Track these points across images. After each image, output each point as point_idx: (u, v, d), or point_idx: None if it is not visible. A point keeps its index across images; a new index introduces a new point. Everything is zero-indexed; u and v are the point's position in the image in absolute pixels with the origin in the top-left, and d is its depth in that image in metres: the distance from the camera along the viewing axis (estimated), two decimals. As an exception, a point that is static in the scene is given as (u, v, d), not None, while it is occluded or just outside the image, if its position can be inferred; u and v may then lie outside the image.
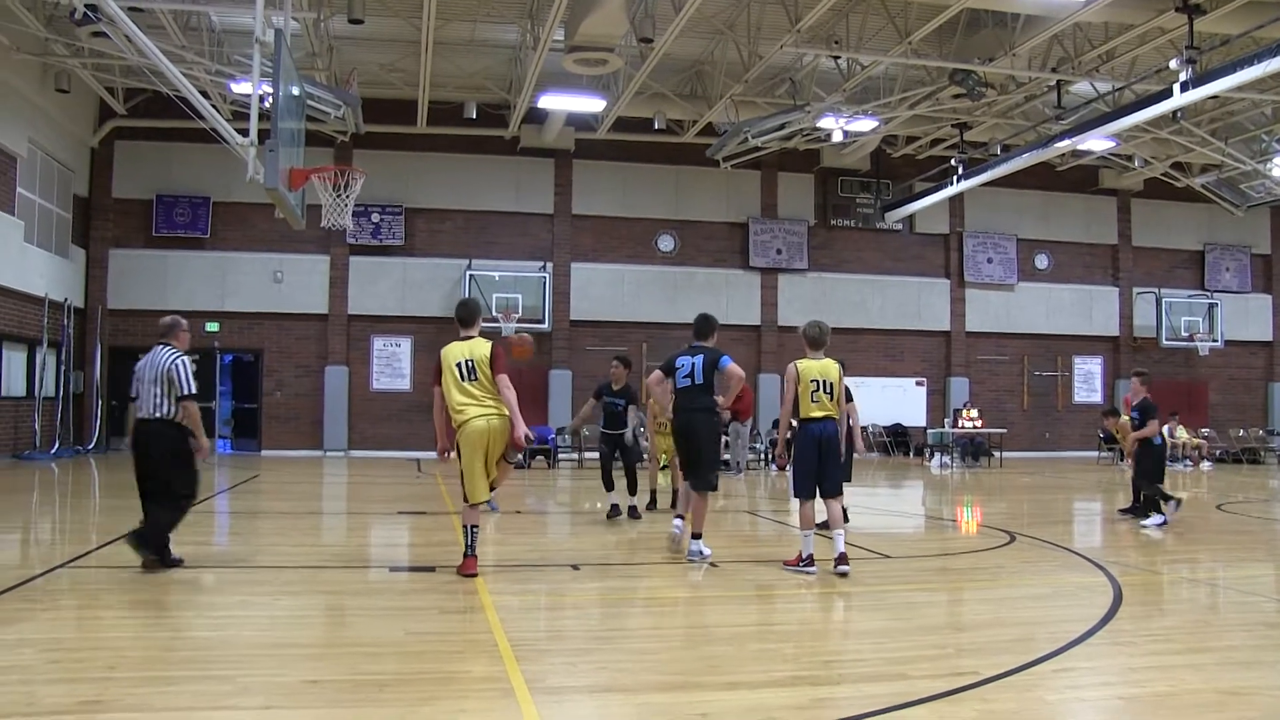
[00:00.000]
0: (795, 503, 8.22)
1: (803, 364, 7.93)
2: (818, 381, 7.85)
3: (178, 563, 7.53)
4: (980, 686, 4.80)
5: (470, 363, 7.41)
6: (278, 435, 23.22)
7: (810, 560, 7.83)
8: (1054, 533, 10.79)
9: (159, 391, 7.45)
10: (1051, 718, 4.56)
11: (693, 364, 8.42)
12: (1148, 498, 12.49)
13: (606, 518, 11.01)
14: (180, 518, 7.68)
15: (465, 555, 7.45)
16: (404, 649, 5.43)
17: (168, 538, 7.54)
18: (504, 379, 7.40)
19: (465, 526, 7.52)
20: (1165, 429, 16.04)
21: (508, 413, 7.38)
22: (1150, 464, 11.76)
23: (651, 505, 12.18)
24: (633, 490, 11.45)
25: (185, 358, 7.63)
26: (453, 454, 7.58)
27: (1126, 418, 13.08)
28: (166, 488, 7.52)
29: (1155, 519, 11.41)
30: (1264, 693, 4.86)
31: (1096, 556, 9.10)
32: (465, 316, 7.73)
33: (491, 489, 7.64)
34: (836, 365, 8.02)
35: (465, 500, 7.51)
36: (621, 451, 11.49)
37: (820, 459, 7.83)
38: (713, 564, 8.35)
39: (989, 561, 9.07)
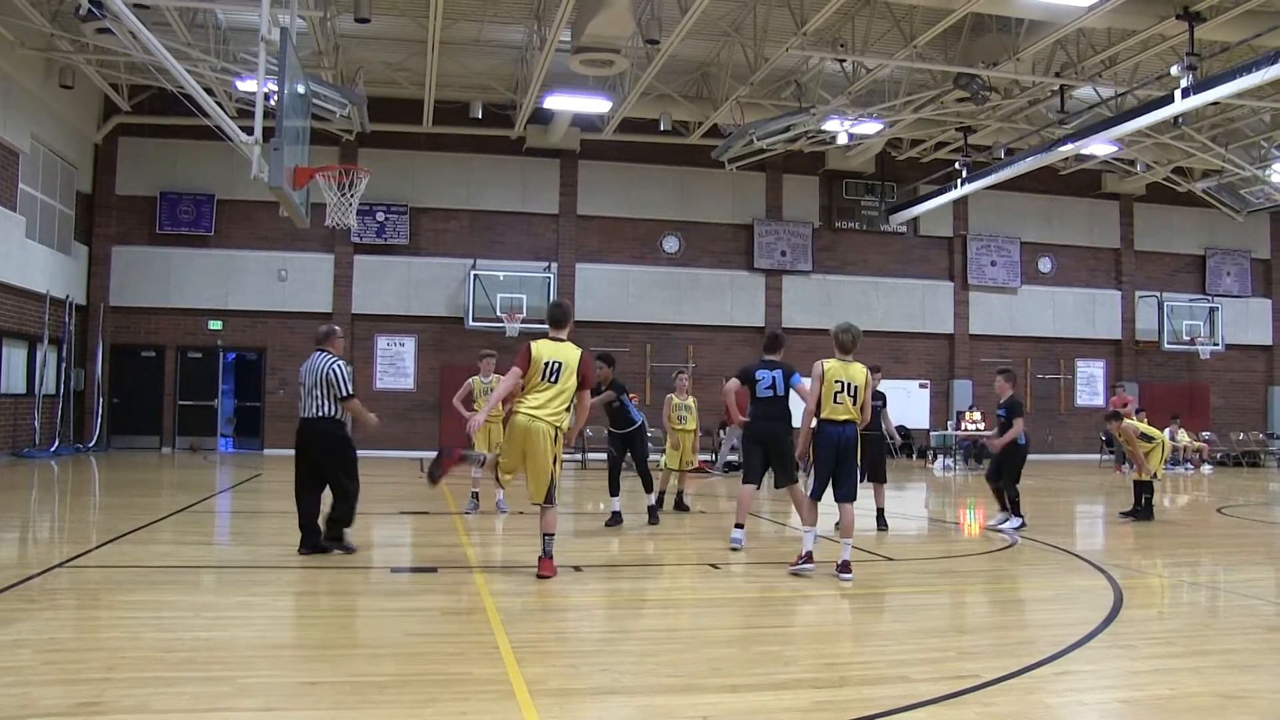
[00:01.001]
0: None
1: (829, 364, 7.94)
2: (841, 383, 7.87)
3: (352, 550, 8.36)
4: (981, 689, 4.80)
5: (558, 366, 7.48)
6: (280, 434, 23.08)
7: (809, 558, 7.82)
8: (1056, 535, 10.78)
9: (320, 394, 8.39)
10: (1052, 722, 4.55)
11: (773, 378, 9.12)
12: (1148, 500, 12.48)
13: (606, 525, 10.79)
14: (353, 506, 8.50)
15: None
16: (404, 650, 5.42)
17: (343, 530, 8.42)
18: (586, 395, 7.69)
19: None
20: (1166, 432, 16.04)
21: (554, 421, 7.41)
22: (1014, 465, 11.71)
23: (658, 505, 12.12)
24: (648, 488, 11.40)
25: (341, 362, 8.55)
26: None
27: (1129, 421, 13.07)
28: (334, 481, 8.47)
29: (1014, 522, 11.27)
30: (1264, 696, 4.86)
31: (1098, 559, 9.10)
32: (558, 317, 7.82)
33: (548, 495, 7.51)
34: (864, 370, 8.05)
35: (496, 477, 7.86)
36: (632, 450, 11.35)
37: (837, 462, 7.81)
38: (713, 565, 8.36)
39: (991, 564, 9.07)
